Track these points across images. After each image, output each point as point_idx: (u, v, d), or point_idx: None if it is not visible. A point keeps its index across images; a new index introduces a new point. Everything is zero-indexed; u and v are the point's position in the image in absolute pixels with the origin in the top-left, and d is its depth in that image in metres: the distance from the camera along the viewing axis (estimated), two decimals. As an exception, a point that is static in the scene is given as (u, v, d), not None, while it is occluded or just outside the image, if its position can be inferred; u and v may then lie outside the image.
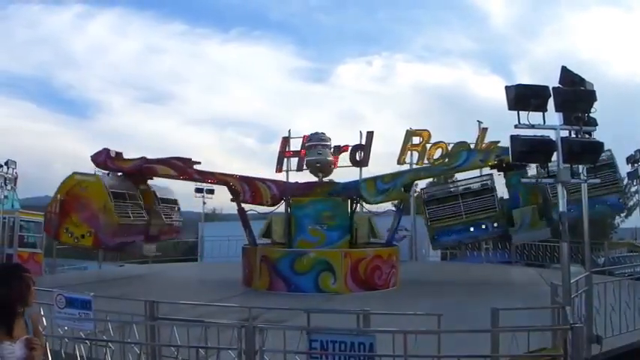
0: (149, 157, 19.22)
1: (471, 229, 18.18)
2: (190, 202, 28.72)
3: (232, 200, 18.26)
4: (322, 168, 18.60)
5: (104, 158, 18.95)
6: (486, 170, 19.09)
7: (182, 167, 18.64)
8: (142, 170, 19.06)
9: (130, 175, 19.27)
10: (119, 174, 19.35)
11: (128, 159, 19.28)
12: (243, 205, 17.94)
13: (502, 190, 18.73)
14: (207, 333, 7.14)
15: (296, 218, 17.23)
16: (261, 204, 18.15)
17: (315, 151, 18.58)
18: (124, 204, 18.25)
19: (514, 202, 17.99)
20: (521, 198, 17.86)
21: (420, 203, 21.62)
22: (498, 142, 23.58)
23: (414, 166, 23.33)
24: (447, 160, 19.58)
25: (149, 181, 20.31)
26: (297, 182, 19.29)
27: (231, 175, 18.48)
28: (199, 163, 18.85)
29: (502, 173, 18.39)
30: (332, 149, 19.21)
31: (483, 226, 18.14)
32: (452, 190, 18.83)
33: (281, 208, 18.10)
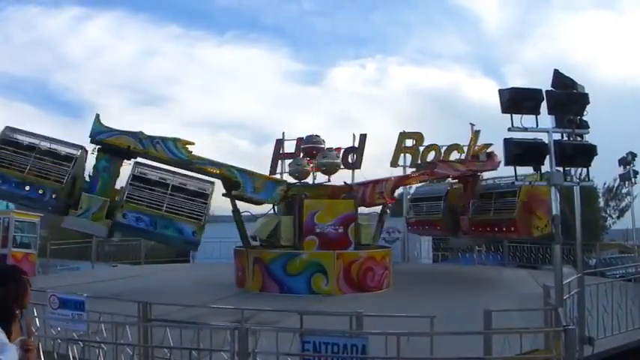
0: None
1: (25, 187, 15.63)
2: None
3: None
4: (301, 177, 19.20)
5: None
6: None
7: None
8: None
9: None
10: None
11: None
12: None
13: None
14: (200, 335, 7.14)
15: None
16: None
17: (295, 162, 19.42)
18: None
19: (90, 185, 16.09)
20: (99, 186, 16.06)
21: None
22: (491, 144, 23.66)
23: (407, 169, 23.32)
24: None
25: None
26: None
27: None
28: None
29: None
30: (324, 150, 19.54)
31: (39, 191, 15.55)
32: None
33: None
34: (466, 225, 20.16)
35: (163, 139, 16.43)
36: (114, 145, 16.10)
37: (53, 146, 15.99)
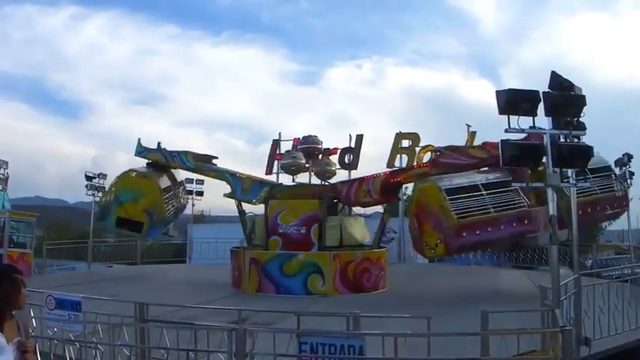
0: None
1: None
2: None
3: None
4: (297, 171, 19.25)
5: None
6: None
7: None
8: None
9: None
10: None
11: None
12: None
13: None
14: (197, 335, 7.13)
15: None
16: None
17: (289, 155, 19.35)
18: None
19: None
20: None
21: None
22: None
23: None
24: None
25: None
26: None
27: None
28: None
29: None
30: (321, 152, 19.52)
31: None
32: None
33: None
34: None
35: (178, 153, 19.83)
36: (153, 160, 20.15)
37: None
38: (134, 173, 19.78)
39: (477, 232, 14.85)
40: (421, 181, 16.20)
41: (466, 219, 14.70)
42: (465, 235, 14.80)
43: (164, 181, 20.08)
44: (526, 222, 15.04)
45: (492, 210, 14.92)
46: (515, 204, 15.23)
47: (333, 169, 19.38)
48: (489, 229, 14.87)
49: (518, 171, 13.39)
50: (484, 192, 15.20)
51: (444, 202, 14.75)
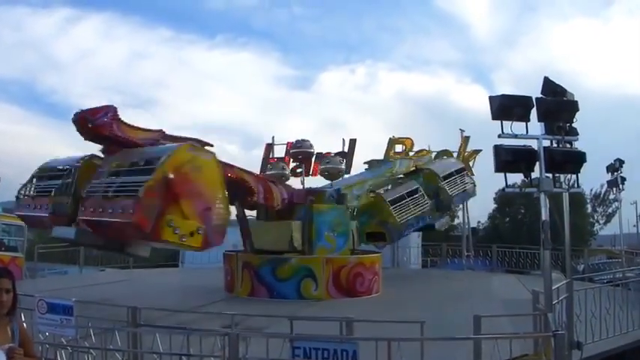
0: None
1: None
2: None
3: (245, 203, 16.38)
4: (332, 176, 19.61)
5: (110, 120, 12.54)
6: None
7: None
8: None
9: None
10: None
11: (141, 128, 13.54)
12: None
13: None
14: (189, 340, 7.12)
15: (317, 225, 16.83)
16: (271, 207, 16.70)
17: (278, 165, 19.70)
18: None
19: None
20: None
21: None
22: (480, 150, 23.79)
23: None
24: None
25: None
26: (309, 188, 19.16)
27: (250, 173, 16.05)
28: (212, 145, 14.19)
29: None
30: (314, 156, 19.63)
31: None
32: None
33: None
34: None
35: None
36: None
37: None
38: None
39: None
40: (199, 149, 12.71)
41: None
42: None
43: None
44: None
45: None
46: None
47: (342, 167, 19.84)
48: None
49: None
50: None
51: (224, 194, 12.73)
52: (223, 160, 13.78)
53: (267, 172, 19.44)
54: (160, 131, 13.81)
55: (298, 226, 16.76)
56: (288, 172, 19.36)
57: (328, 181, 19.89)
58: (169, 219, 11.36)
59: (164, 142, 13.53)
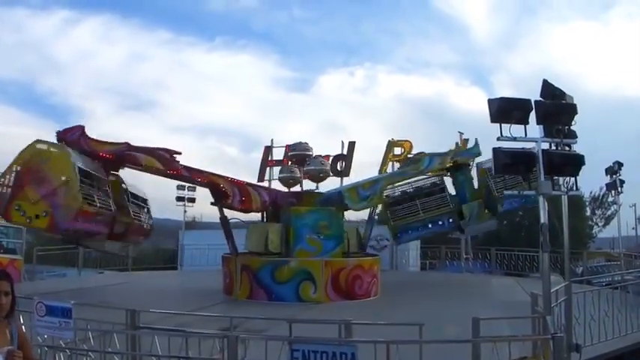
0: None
1: (429, 225, 20.41)
2: (171, 209, 28.66)
3: (214, 204, 16.89)
4: (294, 184, 18.90)
5: (77, 136, 15.83)
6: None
7: (170, 161, 16.18)
8: (122, 158, 16.39)
9: (104, 162, 16.33)
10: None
11: (107, 142, 16.29)
12: (225, 212, 17.65)
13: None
14: (188, 342, 7.11)
15: (295, 228, 16.83)
16: (249, 210, 17.37)
17: (288, 169, 19.09)
18: (91, 187, 15.28)
19: (462, 197, 20.36)
20: (468, 194, 20.34)
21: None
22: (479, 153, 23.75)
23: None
24: (415, 164, 20.58)
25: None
26: (292, 190, 19.01)
27: (223, 177, 16.95)
28: (180, 153, 16.41)
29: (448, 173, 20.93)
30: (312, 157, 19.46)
31: (440, 222, 20.44)
32: (408, 191, 21.00)
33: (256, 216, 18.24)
34: None
35: None
36: None
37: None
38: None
39: (89, 223, 15.16)
40: (50, 144, 15.11)
41: (89, 207, 14.77)
42: (79, 221, 14.65)
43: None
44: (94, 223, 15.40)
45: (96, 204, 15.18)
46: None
47: (327, 168, 19.38)
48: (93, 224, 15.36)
49: None
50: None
51: (74, 180, 14.34)
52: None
53: (280, 175, 19.20)
54: (126, 143, 16.09)
55: (276, 229, 16.94)
56: (298, 175, 18.83)
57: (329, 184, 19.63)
58: (17, 204, 14.16)
59: (129, 153, 16.01)
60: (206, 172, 17.03)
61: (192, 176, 17.20)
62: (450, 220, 20.47)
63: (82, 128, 15.97)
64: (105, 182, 16.21)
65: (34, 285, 19.33)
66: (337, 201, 17.72)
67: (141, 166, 16.39)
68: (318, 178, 18.72)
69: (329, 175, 19.26)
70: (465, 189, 20.45)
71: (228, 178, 16.96)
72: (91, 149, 15.92)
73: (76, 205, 14.35)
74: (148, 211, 19.46)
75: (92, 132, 16.13)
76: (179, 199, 28.30)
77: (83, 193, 14.62)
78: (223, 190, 16.48)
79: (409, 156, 24.42)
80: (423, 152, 24.36)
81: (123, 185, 17.81)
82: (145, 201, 19.35)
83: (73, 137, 15.79)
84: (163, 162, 16.11)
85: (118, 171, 17.30)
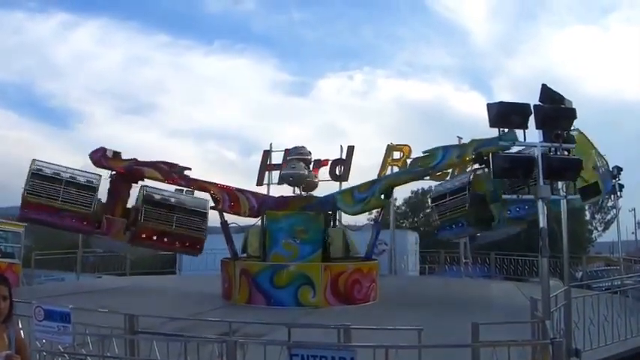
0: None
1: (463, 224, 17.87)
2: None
3: (213, 209, 18.30)
4: (297, 182, 18.56)
5: (99, 156, 18.74)
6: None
7: (167, 171, 18.37)
8: (131, 171, 18.78)
9: (123, 176, 18.85)
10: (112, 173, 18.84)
11: (122, 159, 18.97)
12: (225, 217, 17.89)
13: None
14: (187, 347, 7.09)
15: (270, 232, 16.98)
16: (239, 214, 18.10)
17: (290, 165, 18.72)
18: (54, 186, 17.96)
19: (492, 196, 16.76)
20: (497, 192, 16.22)
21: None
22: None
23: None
24: (425, 160, 17.79)
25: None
26: (280, 196, 18.97)
27: (213, 184, 18.34)
28: (189, 169, 18.60)
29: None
30: (312, 163, 19.25)
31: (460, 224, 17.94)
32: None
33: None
34: None
35: None
36: None
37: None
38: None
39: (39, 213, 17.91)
40: None
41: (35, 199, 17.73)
42: (26, 210, 17.95)
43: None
44: (86, 223, 18.24)
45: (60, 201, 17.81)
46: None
47: (300, 172, 18.50)
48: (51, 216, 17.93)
49: None
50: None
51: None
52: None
53: (284, 172, 19.14)
54: (134, 159, 18.81)
55: (256, 233, 17.42)
56: (302, 171, 18.36)
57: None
58: None
59: (136, 167, 18.49)
60: (200, 180, 18.53)
61: (188, 184, 18.79)
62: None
63: (103, 150, 18.69)
64: (85, 187, 18.51)
65: (32, 289, 19.31)
66: (330, 205, 17.62)
67: (144, 177, 18.74)
68: (301, 182, 18.50)
69: (304, 180, 18.65)
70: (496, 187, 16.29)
71: (217, 184, 18.36)
72: (110, 166, 18.67)
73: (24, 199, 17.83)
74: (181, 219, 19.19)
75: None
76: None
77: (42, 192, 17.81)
78: (214, 196, 18.02)
79: (408, 160, 24.18)
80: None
81: (146, 193, 18.85)
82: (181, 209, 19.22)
83: (97, 156, 18.60)
84: (163, 173, 18.33)
85: (137, 182, 19.06)
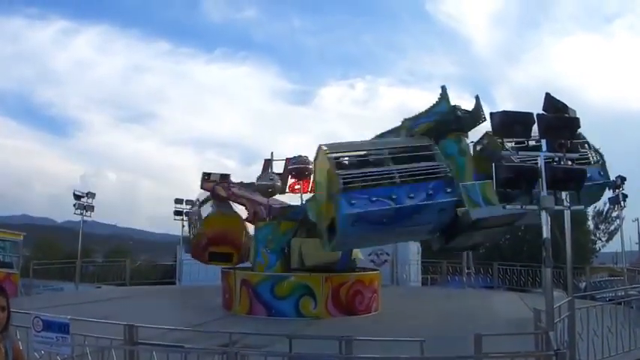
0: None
1: None
2: (169, 224, 28.25)
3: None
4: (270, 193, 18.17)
5: (218, 185, 19.71)
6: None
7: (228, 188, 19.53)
8: (211, 192, 19.93)
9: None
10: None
11: (209, 180, 20.01)
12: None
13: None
14: (187, 358, 7.02)
15: (255, 241, 17.55)
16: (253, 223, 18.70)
17: (267, 176, 18.24)
18: None
19: None
20: None
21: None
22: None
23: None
24: None
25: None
26: (281, 206, 18.76)
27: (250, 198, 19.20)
28: (229, 175, 20.12)
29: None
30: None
31: None
32: None
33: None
34: None
35: None
36: None
37: None
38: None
39: None
40: None
41: None
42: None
43: None
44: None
45: None
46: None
47: (277, 184, 18.02)
48: None
49: None
50: None
51: None
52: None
53: (259, 182, 18.33)
54: (214, 181, 19.75)
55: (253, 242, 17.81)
56: (278, 182, 18.06)
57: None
58: None
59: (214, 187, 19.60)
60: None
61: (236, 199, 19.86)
62: None
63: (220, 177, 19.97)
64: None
65: (30, 299, 19.23)
66: (301, 214, 16.98)
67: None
68: (267, 193, 18.08)
69: (279, 191, 18.44)
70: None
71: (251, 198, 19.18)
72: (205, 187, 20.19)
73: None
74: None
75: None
76: (177, 213, 27.78)
77: None
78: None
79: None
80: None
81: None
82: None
83: (205, 185, 20.13)
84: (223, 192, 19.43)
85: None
